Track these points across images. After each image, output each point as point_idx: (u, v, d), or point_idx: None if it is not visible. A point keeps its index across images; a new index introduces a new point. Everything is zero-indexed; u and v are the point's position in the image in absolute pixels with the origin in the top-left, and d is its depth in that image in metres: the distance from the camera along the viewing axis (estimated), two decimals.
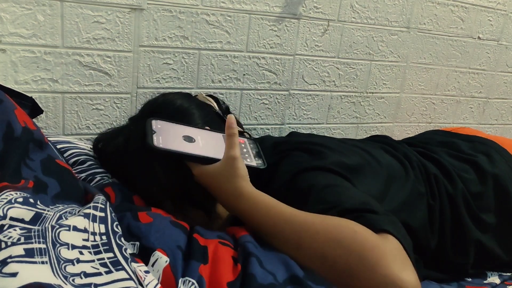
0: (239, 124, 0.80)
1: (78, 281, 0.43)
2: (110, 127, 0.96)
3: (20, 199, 0.48)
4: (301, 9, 1.09)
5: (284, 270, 0.56)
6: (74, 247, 0.46)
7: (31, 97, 0.73)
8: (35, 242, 0.43)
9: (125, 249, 0.49)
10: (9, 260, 0.39)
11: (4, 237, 0.42)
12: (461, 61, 1.38)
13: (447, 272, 0.81)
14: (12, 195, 0.48)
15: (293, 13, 1.08)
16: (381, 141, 0.94)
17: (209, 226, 0.69)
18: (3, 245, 0.41)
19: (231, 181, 0.63)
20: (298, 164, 0.73)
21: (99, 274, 0.45)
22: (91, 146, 0.80)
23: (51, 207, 0.52)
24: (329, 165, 0.72)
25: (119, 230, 0.52)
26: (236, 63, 1.06)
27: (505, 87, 1.50)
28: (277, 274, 0.54)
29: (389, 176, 0.79)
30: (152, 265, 0.52)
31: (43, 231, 0.45)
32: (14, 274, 0.38)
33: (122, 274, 0.46)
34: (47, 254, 0.43)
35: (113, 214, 0.54)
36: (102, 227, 0.50)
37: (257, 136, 1.04)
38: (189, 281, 0.51)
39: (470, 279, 0.82)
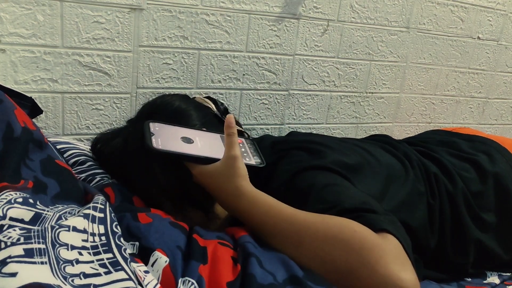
0: (238, 123, 0.80)
1: (77, 281, 0.43)
2: (110, 127, 0.97)
3: (20, 199, 0.48)
4: (300, 9, 1.09)
5: (284, 270, 0.55)
6: (73, 247, 0.46)
7: (31, 97, 0.73)
8: (35, 243, 0.43)
9: (125, 249, 0.49)
10: (8, 260, 0.39)
11: (3, 237, 0.42)
12: (461, 61, 1.38)
13: (447, 272, 0.81)
14: (12, 195, 0.48)
15: (292, 13, 1.08)
16: (381, 140, 0.94)
17: (208, 226, 0.69)
18: (2, 245, 0.41)
19: (231, 181, 0.63)
20: (297, 163, 0.73)
21: (99, 274, 0.45)
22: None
23: (50, 207, 0.52)
24: (328, 164, 0.72)
25: (118, 230, 0.52)
26: (235, 63, 1.06)
27: (504, 87, 1.50)
28: (277, 274, 0.54)
29: (389, 176, 0.79)
30: (152, 265, 0.52)
31: (43, 231, 0.45)
32: (13, 274, 0.38)
33: (121, 275, 0.46)
34: (46, 254, 0.43)
35: (112, 214, 0.54)
36: (102, 228, 0.50)
37: (256, 136, 1.04)
38: (189, 281, 0.51)
39: (469, 279, 0.82)
